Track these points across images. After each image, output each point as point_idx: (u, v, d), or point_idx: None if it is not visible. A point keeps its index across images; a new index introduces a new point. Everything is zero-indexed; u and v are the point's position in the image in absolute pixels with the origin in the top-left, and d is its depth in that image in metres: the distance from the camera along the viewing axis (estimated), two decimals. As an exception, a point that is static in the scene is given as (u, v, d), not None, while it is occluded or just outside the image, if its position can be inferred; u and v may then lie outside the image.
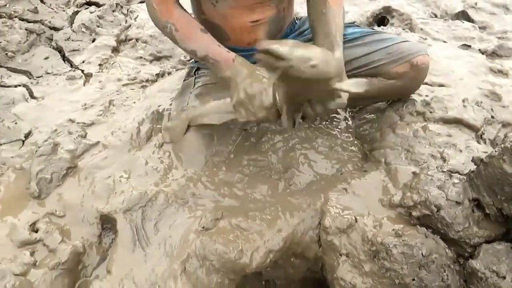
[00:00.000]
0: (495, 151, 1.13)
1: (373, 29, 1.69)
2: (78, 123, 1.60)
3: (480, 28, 2.27)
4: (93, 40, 2.07)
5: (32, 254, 1.20)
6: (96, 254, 1.28)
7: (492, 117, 1.63)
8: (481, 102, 1.66)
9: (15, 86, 1.79)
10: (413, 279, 1.15)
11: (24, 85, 1.79)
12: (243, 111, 1.25)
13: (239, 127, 1.53)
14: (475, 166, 1.23)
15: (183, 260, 1.19)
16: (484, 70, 1.88)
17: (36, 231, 1.26)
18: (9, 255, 1.18)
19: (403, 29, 2.21)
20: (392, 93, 1.57)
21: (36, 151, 1.43)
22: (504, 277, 1.07)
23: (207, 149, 1.49)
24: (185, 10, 1.39)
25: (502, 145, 1.11)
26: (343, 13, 1.37)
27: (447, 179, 1.29)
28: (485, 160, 1.15)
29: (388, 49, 1.47)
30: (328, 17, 1.32)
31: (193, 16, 1.48)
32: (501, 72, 1.86)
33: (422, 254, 1.13)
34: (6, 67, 1.88)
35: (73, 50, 1.99)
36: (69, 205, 1.34)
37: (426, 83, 1.74)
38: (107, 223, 1.33)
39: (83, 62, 1.94)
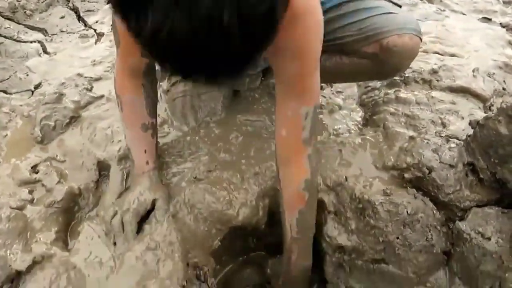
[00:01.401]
0: (492, 113, 1.10)
1: None
2: (85, 77, 1.65)
3: (504, 2, 2.17)
4: (108, 2, 2.10)
5: (30, 192, 1.25)
6: (92, 198, 1.32)
7: (504, 89, 1.57)
8: (494, 73, 1.60)
9: (31, 42, 1.85)
10: (397, 237, 1.14)
11: (39, 41, 1.85)
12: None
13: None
14: (472, 130, 1.19)
15: (173, 205, 1.22)
16: (502, 43, 1.81)
17: (37, 173, 1.31)
18: (9, 191, 1.24)
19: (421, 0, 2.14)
20: (366, 75, 1.37)
21: (43, 99, 1.48)
22: (489, 239, 1.05)
23: (200, 109, 1.51)
24: (151, 84, 1.24)
25: (498, 106, 1.07)
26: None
27: (444, 144, 1.26)
28: (481, 122, 1.12)
29: (361, 23, 1.21)
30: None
31: None
32: (519, 46, 1.78)
33: (407, 212, 1.12)
34: (24, 24, 1.94)
35: (88, 11, 2.04)
36: (69, 151, 1.39)
37: (437, 53, 1.69)
38: (104, 170, 1.37)
39: (97, 22, 1.98)
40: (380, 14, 1.21)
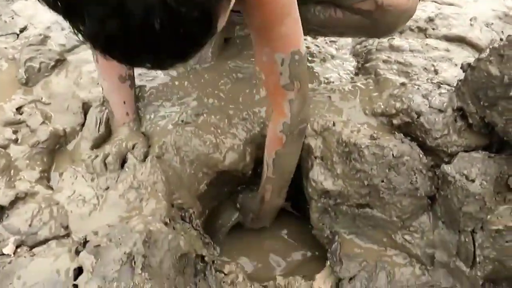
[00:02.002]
0: (484, 54, 1.07)
1: None
2: (72, 21, 1.60)
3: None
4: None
5: (14, 132, 1.24)
6: (79, 141, 1.31)
7: (501, 39, 1.52)
8: (492, 23, 1.55)
9: (16, -14, 1.79)
10: (382, 181, 1.13)
11: (25, -15, 1.79)
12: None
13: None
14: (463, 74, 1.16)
15: (159, 146, 1.21)
16: (504, -6, 1.74)
17: (21, 114, 1.30)
18: (-8, 131, 1.22)
19: None
20: (358, 31, 1.33)
21: (27, 41, 1.45)
22: (473, 181, 1.04)
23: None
24: None
25: (491, 46, 1.04)
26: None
27: (434, 89, 1.24)
28: (473, 65, 1.09)
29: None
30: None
31: None
32: (522, -3, 1.72)
33: (392, 155, 1.11)
34: (9, -32, 1.87)
35: (76, -45, 1.95)
36: (55, 94, 1.37)
37: (435, 1, 1.64)
38: (90, 113, 1.35)
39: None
40: None
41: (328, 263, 1.25)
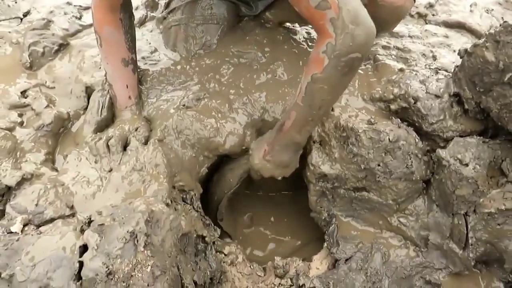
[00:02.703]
0: (481, 40, 1.08)
1: None
2: (75, 5, 1.62)
3: None
4: None
5: (20, 115, 1.27)
6: (82, 125, 1.34)
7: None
8: (492, 9, 1.56)
9: (19, -30, 1.79)
10: (379, 165, 1.16)
11: (28, -31, 1.79)
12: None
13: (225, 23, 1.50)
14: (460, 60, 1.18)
15: (161, 130, 1.23)
16: (506, -21, 1.74)
17: (26, 97, 1.32)
18: (-2, 114, 1.25)
19: None
20: None
21: (30, 26, 1.46)
22: (467, 165, 1.07)
23: (194, 41, 1.48)
24: (129, 19, 1.28)
25: (487, 32, 1.05)
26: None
27: (432, 75, 1.25)
28: (470, 50, 1.10)
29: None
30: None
31: None
32: (522, -17, 1.72)
33: (389, 139, 1.13)
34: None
35: None
36: (58, 78, 1.39)
37: (436, -13, 1.64)
38: (93, 97, 1.37)
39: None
40: None
41: (325, 244, 1.28)
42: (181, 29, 1.46)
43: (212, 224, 1.29)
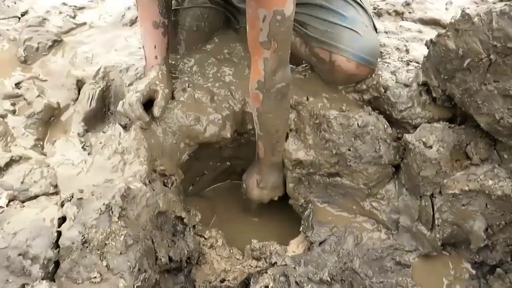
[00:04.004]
0: (443, 30, 1.14)
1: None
2: (70, 6, 1.71)
3: None
4: None
5: (13, 104, 1.35)
6: (72, 115, 1.41)
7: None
8: (468, 7, 1.61)
9: (20, -26, 1.90)
10: (349, 149, 1.21)
11: (27, -27, 1.90)
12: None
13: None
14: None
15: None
16: (483, -20, 1.80)
17: (19, 88, 1.40)
18: (-8, 102, 1.33)
19: None
20: (316, 68, 1.39)
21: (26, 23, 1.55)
22: (430, 147, 1.12)
23: (190, 41, 1.55)
24: None
25: (448, 22, 1.11)
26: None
27: (403, 66, 1.31)
28: (434, 40, 1.16)
29: (328, 26, 1.28)
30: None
31: None
32: (500, -16, 1.78)
33: (358, 124, 1.19)
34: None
35: None
36: (51, 71, 1.47)
37: (414, -12, 1.70)
38: (83, 89, 1.45)
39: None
40: (348, 28, 1.27)
41: (301, 229, 1.33)
42: (173, 32, 1.53)
43: (192, 210, 1.34)
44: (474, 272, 1.18)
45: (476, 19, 1.01)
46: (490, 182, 1.08)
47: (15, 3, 1.73)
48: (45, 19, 1.57)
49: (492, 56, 0.99)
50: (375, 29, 1.36)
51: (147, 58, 1.34)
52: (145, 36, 1.33)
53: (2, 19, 1.66)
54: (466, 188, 1.10)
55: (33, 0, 1.76)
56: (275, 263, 1.15)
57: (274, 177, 1.38)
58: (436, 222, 1.15)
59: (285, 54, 1.13)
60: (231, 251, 1.35)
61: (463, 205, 1.12)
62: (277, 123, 1.25)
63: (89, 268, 0.92)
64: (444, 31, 1.12)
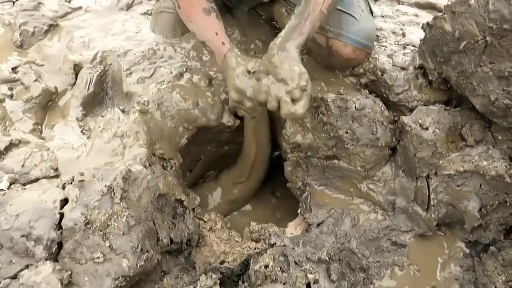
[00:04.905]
0: (440, 12, 1.15)
1: None
2: (65, -10, 1.69)
3: None
4: None
5: (10, 89, 1.35)
6: (69, 99, 1.41)
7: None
8: (463, -8, 1.63)
9: (13, -42, 1.87)
10: (346, 132, 1.23)
11: (21, -43, 1.87)
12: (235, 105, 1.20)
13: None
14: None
15: (142, 103, 1.30)
16: (479, -35, 1.81)
17: (16, 73, 1.40)
18: (-11, 87, 1.33)
19: None
20: (314, 53, 1.38)
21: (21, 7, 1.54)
22: (427, 128, 1.13)
23: (180, 29, 1.54)
24: None
25: (445, 5, 1.12)
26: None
27: (399, 50, 1.33)
28: (430, 23, 1.17)
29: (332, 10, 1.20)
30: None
31: None
32: (495, -32, 1.79)
33: (355, 107, 1.20)
34: None
35: None
36: (48, 56, 1.47)
37: (409, -28, 1.71)
38: (81, 74, 1.45)
39: None
40: (345, 12, 1.26)
41: (299, 211, 1.35)
42: (172, 17, 1.52)
43: (192, 194, 1.36)
44: (468, 251, 1.21)
45: (472, 1, 1.02)
46: (485, 163, 1.10)
47: (9, -13, 1.71)
48: (40, 3, 1.56)
49: (488, 38, 1.00)
50: (371, 13, 1.36)
51: (214, 49, 1.22)
52: (201, 28, 1.23)
53: (-4, 3, 1.65)
54: (461, 169, 1.12)
55: (27, -16, 1.74)
56: (274, 244, 1.16)
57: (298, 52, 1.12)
58: (431, 202, 1.18)
59: None
60: (230, 233, 1.37)
61: (458, 186, 1.15)
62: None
63: (92, 249, 0.93)
64: (440, 14, 1.13)
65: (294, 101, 1.04)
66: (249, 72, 1.12)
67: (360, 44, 1.27)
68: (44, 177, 1.09)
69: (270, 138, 1.44)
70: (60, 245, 0.95)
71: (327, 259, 1.13)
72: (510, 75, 0.99)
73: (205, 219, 1.37)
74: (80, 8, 1.62)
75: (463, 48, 1.07)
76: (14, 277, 0.91)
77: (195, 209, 1.35)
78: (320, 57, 1.36)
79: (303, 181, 1.38)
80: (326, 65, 1.37)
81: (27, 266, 0.92)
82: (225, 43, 1.21)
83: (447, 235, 1.24)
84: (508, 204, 1.12)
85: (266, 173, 1.52)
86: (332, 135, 1.25)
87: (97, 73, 1.40)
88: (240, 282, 1.11)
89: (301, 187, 1.38)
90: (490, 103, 1.06)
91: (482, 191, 1.13)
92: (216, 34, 1.21)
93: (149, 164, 1.17)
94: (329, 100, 1.23)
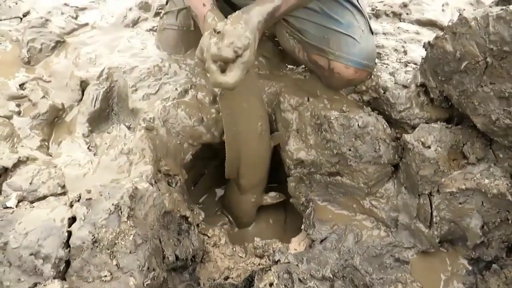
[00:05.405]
0: (441, 32, 1.17)
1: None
2: (71, 6, 1.72)
3: None
4: None
5: (18, 106, 1.36)
6: (76, 115, 1.43)
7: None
8: (463, 9, 1.66)
9: (20, -26, 1.91)
10: (349, 149, 1.24)
11: (29, -26, 1.91)
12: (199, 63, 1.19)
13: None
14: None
15: (147, 119, 1.32)
16: (479, -18, 1.84)
17: (24, 90, 1.42)
18: (-2, 104, 1.35)
19: None
20: (316, 73, 1.42)
21: (29, 24, 1.57)
22: (429, 147, 1.15)
23: (189, 41, 1.57)
24: None
25: (446, 25, 1.15)
26: None
27: (401, 68, 1.35)
28: (432, 42, 1.19)
29: (325, 32, 1.29)
30: None
31: None
32: (495, -15, 1.81)
33: (358, 125, 1.22)
34: (14, -42, 1.99)
35: None
36: (55, 72, 1.49)
37: (411, -11, 1.74)
38: (87, 90, 1.47)
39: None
40: (345, 34, 1.29)
41: (303, 227, 1.36)
42: (175, 34, 1.55)
43: (196, 209, 1.37)
44: (470, 268, 1.21)
45: (473, 23, 1.04)
46: (486, 180, 1.12)
47: (16, 3, 1.74)
48: (48, 20, 1.59)
49: (488, 59, 1.02)
50: (371, 32, 1.39)
51: (197, 12, 1.20)
52: None
53: (4, 19, 1.68)
54: (463, 187, 1.14)
55: (34, 1, 1.78)
56: (278, 260, 1.18)
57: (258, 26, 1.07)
58: (434, 219, 1.19)
59: None
60: (234, 249, 1.38)
61: (460, 203, 1.16)
62: None
63: (99, 267, 0.95)
64: (441, 33, 1.15)
65: (227, 67, 0.97)
66: (215, 31, 1.01)
67: (361, 65, 1.29)
68: (51, 195, 1.11)
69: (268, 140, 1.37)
70: (68, 263, 0.97)
71: (331, 276, 1.14)
72: (511, 96, 1.01)
73: (209, 235, 1.38)
74: (87, 24, 1.65)
75: (464, 68, 1.09)
76: (23, 295, 0.92)
77: (199, 225, 1.36)
78: (323, 78, 1.39)
79: (306, 196, 1.39)
80: (328, 85, 1.39)
81: (35, 285, 0.94)
82: (206, 5, 1.19)
83: (449, 252, 1.25)
84: (510, 222, 1.13)
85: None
86: (335, 152, 1.26)
87: (103, 89, 1.42)
88: (245, 299, 1.12)
89: (304, 202, 1.40)
90: (491, 123, 1.07)
91: (484, 209, 1.14)
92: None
93: (155, 181, 1.18)
94: (332, 118, 1.25)
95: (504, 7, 0.99)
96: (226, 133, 1.27)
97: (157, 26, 1.67)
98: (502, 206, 1.13)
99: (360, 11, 1.35)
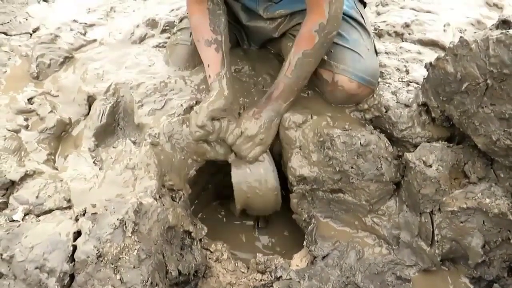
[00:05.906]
0: (442, 54, 1.19)
1: (358, 19, 1.40)
2: (80, 23, 1.76)
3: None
4: None
5: (26, 120, 1.39)
6: (82, 130, 1.45)
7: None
8: (465, 30, 1.68)
9: (31, -10, 1.96)
10: (352, 167, 1.26)
11: (39, -10, 1.96)
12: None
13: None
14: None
15: (153, 135, 1.34)
16: (480, 2, 1.88)
17: (32, 104, 1.45)
18: (6, 118, 1.37)
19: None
20: (318, 87, 1.46)
21: (39, 40, 1.60)
22: (430, 166, 1.16)
23: (195, 62, 1.59)
24: (217, 6, 1.39)
25: (447, 46, 1.17)
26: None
27: (403, 87, 1.37)
28: (433, 63, 1.21)
29: (334, 47, 1.33)
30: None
31: None
32: (496, 6, 1.85)
33: (360, 143, 1.24)
34: (25, -25, 2.04)
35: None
36: (63, 87, 1.52)
37: (413, 9, 1.77)
38: (94, 105, 1.50)
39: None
40: (351, 50, 1.33)
41: (305, 243, 1.36)
42: (187, 49, 1.57)
43: (199, 224, 1.38)
44: (472, 287, 1.22)
45: (473, 46, 1.07)
46: (487, 200, 1.13)
47: (26, 19, 1.78)
48: (57, 36, 1.62)
49: (489, 81, 1.04)
50: (376, 53, 1.41)
51: (208, 77, 1.38)
52: (202, 57, 1.41)
53: (14, 35, 1.72)
54: (464, 206, 1.15)
55: (44, 17, 1.82)
56: (280, 277, 1.18)
57: (271, 121, 1.33)
58: (435, 238, 1.20)
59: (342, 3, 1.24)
60: (236, 264, 1.38)
61: (462, 222, 1.17)
62: (311, 70, 1.31)
63: (103, 282, 0.96)
64: (443, 55, 1.18)
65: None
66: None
67: (364, 80, 1.32)
68: (57, 209, 1.13)
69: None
70: (72, 277, 0.98)
71: (333, 293, 1.14)
72: (511, 117, 1.03)
73: (211, 249, 1.39)
74: (95, 40, 1.69)
75: (465, 89, 1.11)
76: (27, 309, 0.93)
77: (202, 240, 1.37)
78: (325, 92, 1.41)
79: (309, 213, 1.40)
80: (330, 100, 1.42)
81: (39, 298, 0.95)
82: (211, 76, 1.36)
83: (451, 271, 1.25)
84: (511, 241, 1.14)
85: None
86: (337, 170, 1.28)
87: (110, 104, 1.45)
88: (247, 316, 1.12)
89: (306, 219, 1.40)
90: (491, 143, 1.09)
91: (485, 228, 1.15)
92: (208, 66, 1.37)
93: (159, 196, 1.20)
94: (334, 136, 1.27)
95: (503, 31, 1.01)
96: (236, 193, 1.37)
97: (163, 42, 1.71)
98: (503, 226, 1.14)
99: (367, 31, 1.39)
